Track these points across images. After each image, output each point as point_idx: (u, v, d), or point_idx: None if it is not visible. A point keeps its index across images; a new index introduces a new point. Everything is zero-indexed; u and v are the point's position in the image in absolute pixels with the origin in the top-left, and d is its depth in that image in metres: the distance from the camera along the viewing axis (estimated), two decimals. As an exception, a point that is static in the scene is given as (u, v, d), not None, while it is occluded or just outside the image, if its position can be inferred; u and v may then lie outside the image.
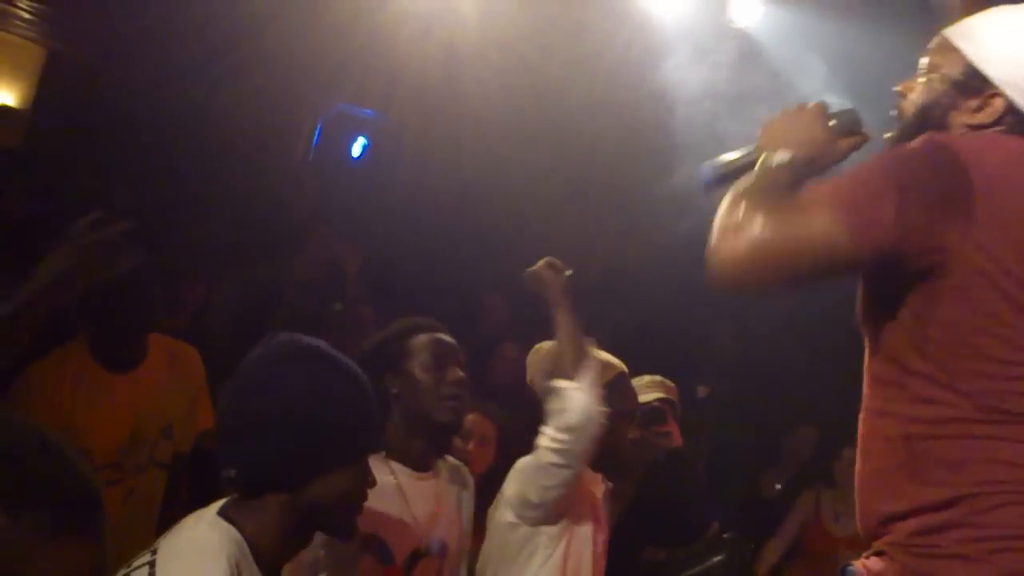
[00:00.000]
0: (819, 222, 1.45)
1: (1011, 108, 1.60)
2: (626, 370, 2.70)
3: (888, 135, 1.74)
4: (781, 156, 1.63)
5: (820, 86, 4.65)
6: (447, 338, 2.25)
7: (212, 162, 4.84)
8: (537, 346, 2.72)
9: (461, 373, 2.22)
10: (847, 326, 1.69)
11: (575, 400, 2.27)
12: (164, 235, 3.73)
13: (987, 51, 1.61)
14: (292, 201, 4.83)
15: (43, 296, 1.95)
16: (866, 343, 1.64)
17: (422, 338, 2.22)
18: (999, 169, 1.47)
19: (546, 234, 5.97)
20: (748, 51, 4.77)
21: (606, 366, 2.58)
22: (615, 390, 2.55)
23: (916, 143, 1.54)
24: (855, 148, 1.73)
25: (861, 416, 1.63)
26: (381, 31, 5.08)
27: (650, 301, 6.40)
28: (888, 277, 1.52)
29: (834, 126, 1.72)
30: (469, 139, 5.65)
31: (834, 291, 1.67)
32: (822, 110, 1.72)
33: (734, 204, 1.51)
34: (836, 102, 1.78)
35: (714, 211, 1.55)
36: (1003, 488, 1.43)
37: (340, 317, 4.08)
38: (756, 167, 1.65)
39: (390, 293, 4.92)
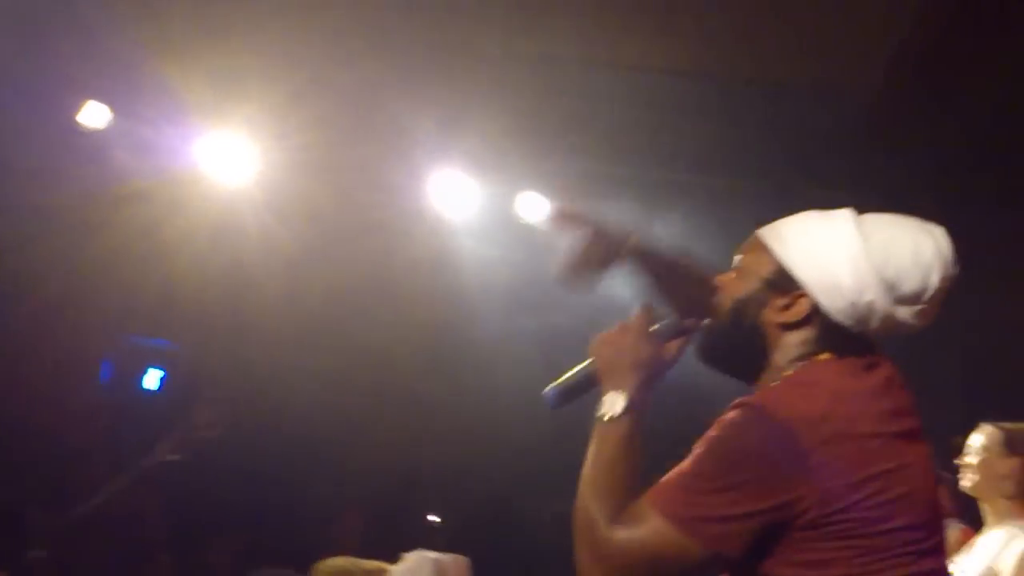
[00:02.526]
0: (670, 539, 1.64)
1: (816, 309, 1.81)
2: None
3: (706, 322, 1.94)
4: (617, 404, 1.83)
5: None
6: None
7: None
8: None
9: None
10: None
11: None
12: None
13: (795, 254, 1.83)
14: (84, 447, 4.93)
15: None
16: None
17: None
18: (824, 424, 1.67)
19: (343, 446, 6.27)
20: (539, 245, 5.42)
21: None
22: None
23: (741, 418, 1.70)
24: (685, 347, 1.96)
25: None
26: (160, 254, 5.37)
27: (458, 503, 6.75)
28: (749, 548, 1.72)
29: (658, 332, 1.94)
30: (259, 355, 5.94)
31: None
32: (645, 321, 1.93)
33: (589, 511, 1.73)
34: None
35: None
36: None
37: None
38: (597, 400, 1.86)
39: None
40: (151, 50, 4.58)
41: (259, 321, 5.76)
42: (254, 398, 5.82)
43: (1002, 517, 3.37)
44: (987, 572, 3.27)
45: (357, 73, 4.58)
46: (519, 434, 5.83)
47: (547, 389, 2.02)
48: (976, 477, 3.41)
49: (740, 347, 1.88)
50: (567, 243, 2.40)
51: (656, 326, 1.95)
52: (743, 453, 1.66)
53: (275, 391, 5.89)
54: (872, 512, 1.66)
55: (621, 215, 5.26)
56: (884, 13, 4.56)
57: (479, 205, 5.38)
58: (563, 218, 2.49)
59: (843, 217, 1.85)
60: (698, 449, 1.71)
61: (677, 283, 2.37)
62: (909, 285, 1.79)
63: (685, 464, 1.70)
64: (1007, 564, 3.23)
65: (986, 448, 3.43)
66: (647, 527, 1.66)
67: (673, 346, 1.94)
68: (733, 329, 1.88)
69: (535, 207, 5.35)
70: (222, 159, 5.11)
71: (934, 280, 1.79)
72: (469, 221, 5.42)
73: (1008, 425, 3.46)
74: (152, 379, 6.01)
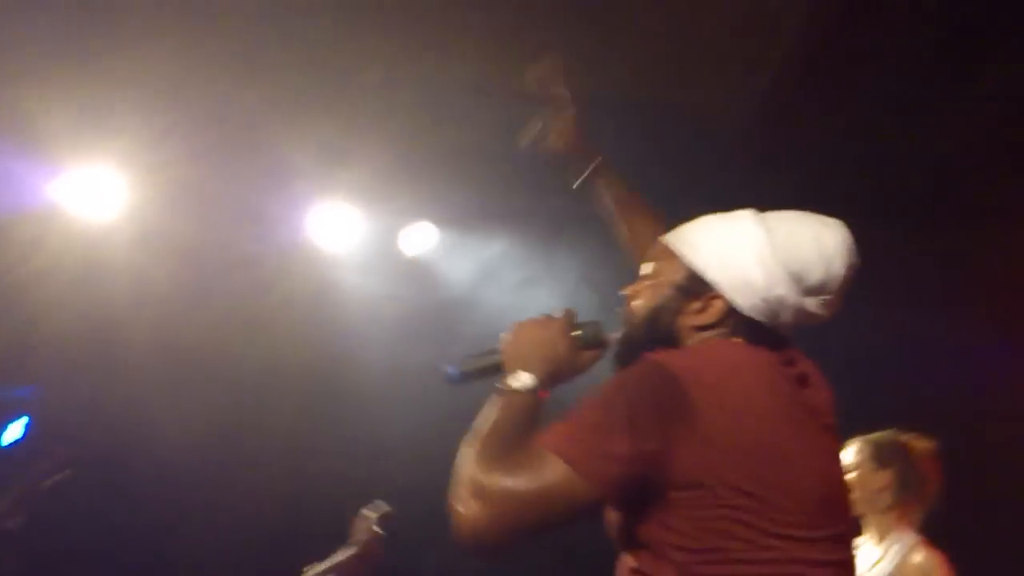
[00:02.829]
0: (556, 475, 1.62)
1: (731, 309, 1.87)
2: None
3: (616, 335, 1.98)
4: (524, 379, 1.84)
5: (499, 304, 5.30)
6: None
7: None
8: None
9: None
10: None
11: None
12: None
13: (705, 257, 1.90)
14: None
15: None
16: (618, 551, 1.84)
17: None
18: (717, 386, 1.70)
19: (220, 490, 6.01)
20: (424, 277, 5.33)
21: None
22: None
23: (635, 368, 1.75)
24: (597, 360, 1.98)
25: None
26: (19, 295, 5.07)
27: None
28: (631, 499, 1.72)
29: (578, 338, 1.95)
30: (131, 398, 5.65)
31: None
32: (568, 323, 1.96)
33: (472, 457, 1.70)
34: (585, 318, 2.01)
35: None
36: None
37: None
38: (499, 381, 1.87)
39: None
40: (9, 76, 4.32)
41: (130, 363, 5.48)
42: (125, 443, 5.56)
43: (884, 530, 3.43)
44: None
45: (234, 103, 4.40)
46: (406, 472, 5.70)
47: (450, 365, 2.01)
48: (854, 494, 3.45)
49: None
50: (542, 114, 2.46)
51: (577, 332, 1.96)
52: (632, 396, 1.68)
53: (148, 436, 5.62)
54: (755, 487, 1.66)
55: (515, 247, 5.28)
56: (763, 35, 4.61)
57: (363, 238, 5.25)
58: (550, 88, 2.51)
59: (746, 217, 1.93)
60: (590, 395, 1.72)
61: (629, 215, 2.54)
62: (815, 276, 1.86)
63: (575, 407, 1.71)
64: None
65: (858, 464, 3.49)
66: (534, 466, 1.64)
67: (587, 356, 1.97)
68: (649, 336, 1.90)
69: (421, 239, 5.26)
70: (88, 193, 4.84)
71: (837, 269, 1.88)
72: (352, 254, 5.28)
73: (875, 437, 3.55)
74: (14, 431, 5.66)
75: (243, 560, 5.75)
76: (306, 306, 5.49)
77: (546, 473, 1.63)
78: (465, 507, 1.65)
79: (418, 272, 5.34)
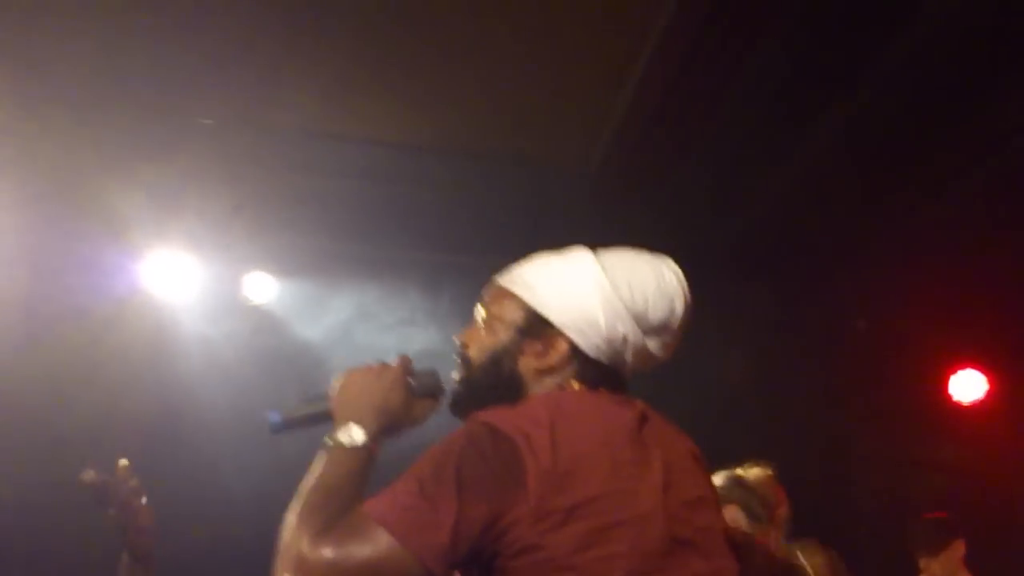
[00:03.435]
0: (382, 548, 1.56)
1: (575, 349, 1.83)
2: None
3: (456, 379, 1.92)
4: (354, 434, 1.75)
5: (344, 351, 5.21)
6: None
7: None
8: None
9: None
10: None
11: None
12: None
13: (546, 297, 1.85)
14: None
15: None
16: None
17: None
18: (549, 444, 1.63)
19: (46, 552, 5.71)
20: (268, 327, 5.21)
21: None
22: None
23: (464, 430, 1.68)
24: (433, 411, 1.91)
25: None
26: None
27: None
28: (466, 568, 1.66)
29: (414, 388, 1.88)
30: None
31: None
32: (403, 372, 1.87)
33: (296, 527, 1.61)
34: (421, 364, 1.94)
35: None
36: None
37: None
38: (327, 433, 1.78)
39: None
40: None
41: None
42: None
43: None
44: None
45: (61, 147, 4.23)
46: (249, 525, 5.53)
47: (272, 412, 1.90)
48: None
49: (499, 398, 1.81)
50: None
51: (412, 380, 1.88)
52: (462, 460, 1.61)
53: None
54: (594, 543, 1.60)
55: (357, 293, 5.20)
56: (606, 85, 4.67)
57: (202, 286, 5.10)
58: None
59: (583, 257, 1.90)
60: (418, 461, 1.64)
61: None
62: (657, 315, 1.86)
63: (403, 475, 1.63)
64: None
65: None
66: (360, 538, 1.57)
67: (423, 406, 1.89)
68: (490, 381, 1.86)
69: (263, 287, 5.15)
70: None
71: (678, 309, 1.88)
72: (193, 303, 5.12)
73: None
74: None
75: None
76: (143, 356, 5.28)
77: (371, 546, 1.56)
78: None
79: (263, 320, 5.21)
